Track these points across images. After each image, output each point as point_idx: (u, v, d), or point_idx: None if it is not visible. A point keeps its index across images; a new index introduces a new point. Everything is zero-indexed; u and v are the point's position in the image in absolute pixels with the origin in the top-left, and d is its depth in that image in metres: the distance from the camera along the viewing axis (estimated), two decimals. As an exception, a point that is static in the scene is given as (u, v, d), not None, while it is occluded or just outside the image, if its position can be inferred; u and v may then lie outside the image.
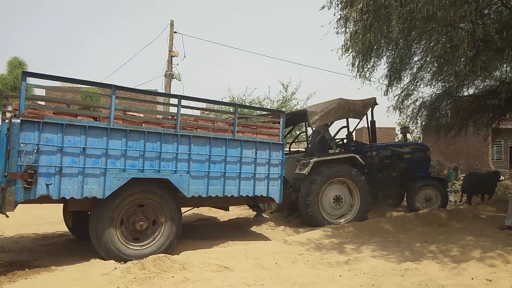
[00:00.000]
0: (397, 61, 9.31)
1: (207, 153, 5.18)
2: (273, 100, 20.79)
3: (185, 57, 26.98)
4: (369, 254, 5.03)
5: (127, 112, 4.96)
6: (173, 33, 16.38)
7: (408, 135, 14.97)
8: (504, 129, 13.05)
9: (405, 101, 10.44)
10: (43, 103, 4.85)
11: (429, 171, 9.30)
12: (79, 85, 7.26)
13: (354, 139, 8.69)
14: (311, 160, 7.02)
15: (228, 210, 6.70)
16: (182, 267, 4.11)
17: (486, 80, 9.93)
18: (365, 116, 7.98)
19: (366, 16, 6.42)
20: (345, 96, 7.86)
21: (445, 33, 6.68)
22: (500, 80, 8.96)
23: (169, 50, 16.60)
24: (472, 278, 3.81)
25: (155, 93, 8.12)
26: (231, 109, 7.65)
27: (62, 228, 6.46)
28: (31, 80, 5.01)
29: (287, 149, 9.38)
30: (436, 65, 8.66)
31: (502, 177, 13.81)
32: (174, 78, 16.88)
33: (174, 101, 5.61)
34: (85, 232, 4.77)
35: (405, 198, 8.85)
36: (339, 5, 6.77)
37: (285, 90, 20.84)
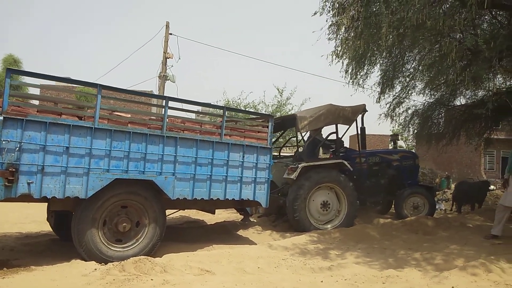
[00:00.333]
0: (390, 68, 9.33)
1: (194, 155, 5.15)
2: (268, 105, 20.81)
3: (180, 59, 26.96)
4: (352, 261, 5.02)
5: (113, 112, 4.93)
6: (168, 35, 16.37)
7: (402, 143, 15.06)
8: (496, 139, 13.12)
9: (397, 109, 10.46)
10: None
11: (419, 179, 9.32)
12: (68, 84, 7.21)
13: (344, 145, 8.70)
14: (299, 165, 7.02)
15: (214, 213, 6.66)
16: (163, 270, 4.07)
17: (477, 90, 10.01)
18: (354, 123, 8.00)
19: (357, 23, 6.46)
20: (335, 103, 7.87)
21: (435, 42, 6.73)
22: (489, 90, 9.05)
23: (164, 52, 16.58)
24: (453, 287, 3.80)
25: (141, 94, 8.08)
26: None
27: (47, 227, 6.40)
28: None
29: (277, 153, 9.38)
30: (427, 74, 8.73)
31: (492, 187, 13.89)
32: (168, 79, 16.85)
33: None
34: (68, 233, 4.71)
35: (393, 205, 8.86)
36: (331, 11, 6.81)
37: (280, 95, 20.86)
